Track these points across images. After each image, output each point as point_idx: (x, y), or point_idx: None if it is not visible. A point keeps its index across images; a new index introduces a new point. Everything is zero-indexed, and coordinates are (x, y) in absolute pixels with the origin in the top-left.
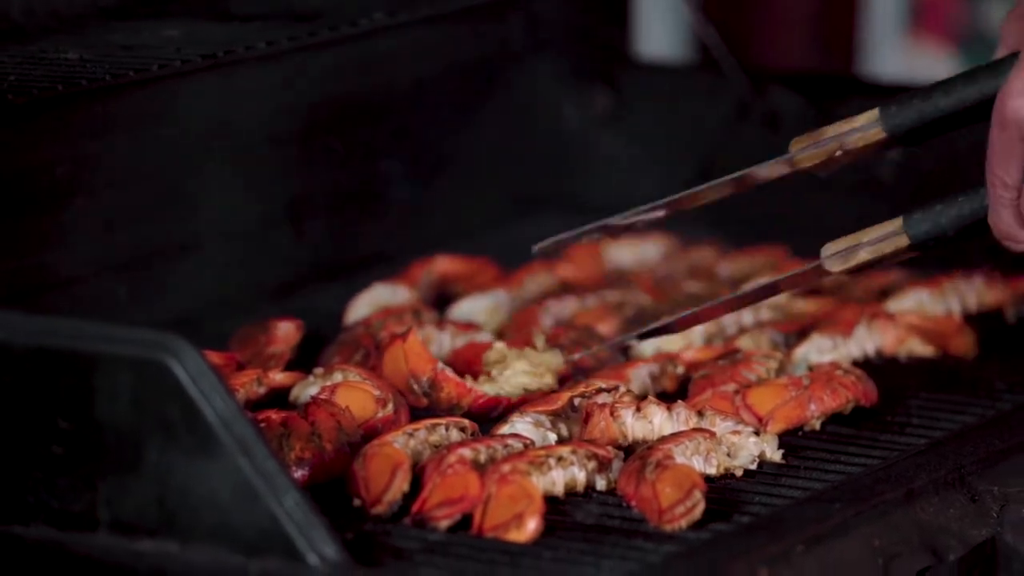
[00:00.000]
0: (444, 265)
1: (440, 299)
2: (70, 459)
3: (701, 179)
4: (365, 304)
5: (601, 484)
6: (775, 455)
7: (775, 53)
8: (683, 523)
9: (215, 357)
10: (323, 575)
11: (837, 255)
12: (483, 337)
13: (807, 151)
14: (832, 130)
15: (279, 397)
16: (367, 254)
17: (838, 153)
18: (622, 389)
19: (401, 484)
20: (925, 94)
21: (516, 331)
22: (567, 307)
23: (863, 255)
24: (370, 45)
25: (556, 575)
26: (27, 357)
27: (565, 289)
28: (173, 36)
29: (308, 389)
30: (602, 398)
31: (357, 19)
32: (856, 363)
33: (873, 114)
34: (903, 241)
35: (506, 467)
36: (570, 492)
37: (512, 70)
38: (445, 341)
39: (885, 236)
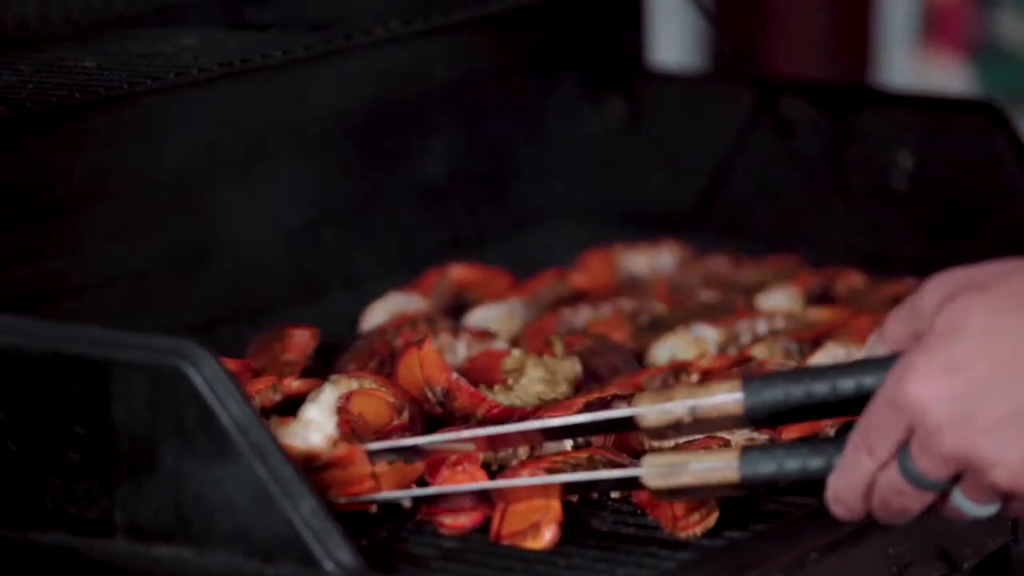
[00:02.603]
0: (459, 273)
1: (455, 307)
2: (87, 465)
3: (715, 188)
4: (380, 312)
5: (616, 491)
6: None
7: (788, 63)
8: (698, 530)
9: (231, 364)
10: None
11: (658, 470)
12: (498, 345)
13: (653, 412)
14: (685, 391)
15: (294, 404)
16: (382, 262)
17: (687, 419)
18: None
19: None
20: (792, 377)
21: (530, 339)
22: (581, 315)
23: (686, 478)
24: (385, 55)
25: None
26: (44, 363)
27: (579, 297)
28: (190, 44)
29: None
30: (618, 404)
31: (372, 28)
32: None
33: (735, 385)
34: (733, 476)
35: (525, 472)
36: (584, 498)
37: (527, 79)
38: (460, 349)
39: (715, 467)
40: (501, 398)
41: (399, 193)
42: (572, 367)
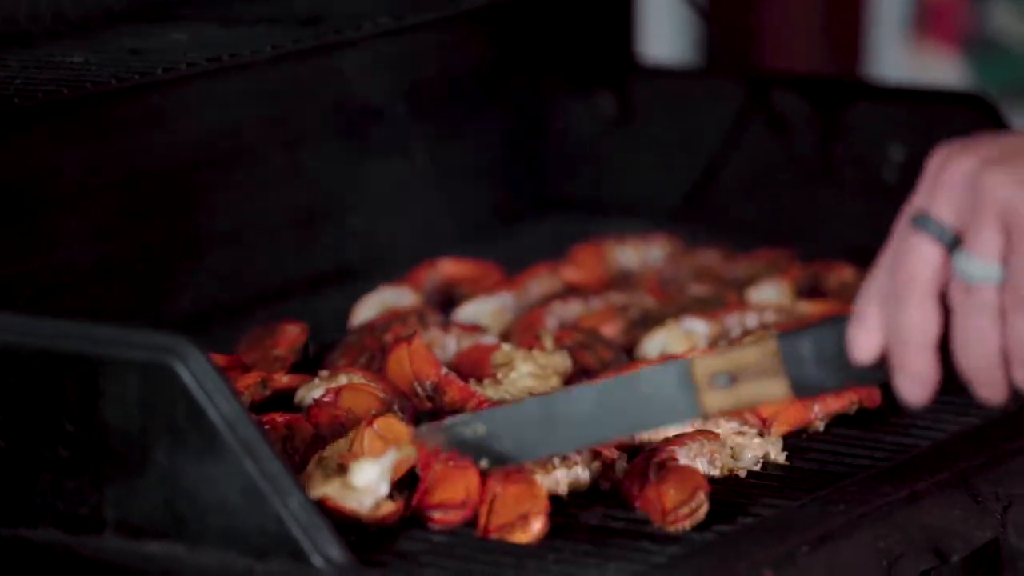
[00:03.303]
0: (449, 268)
1: (445, 302)
2: (77, 462)
3: (707, 182)
4: (370, 307)
5: (605, 485)
6: (779, 457)
7: (781, 57)
8: (687, 524)
9: (220, 360)
10: None
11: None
12: (488, 339)
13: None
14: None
15: (284, 399)
16: (372, 257)
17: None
18: None
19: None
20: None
21: (521, 334)
22: (572, 309)
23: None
24: (375, 49)
25: None
26: (33, 360)
27: (570, 292)
28: (179, 40)
29: (313, 391)
30: None
31: (362, 23)
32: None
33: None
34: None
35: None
36: (574, 493)
37: (519, 74)
38: (450, 344)
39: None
40: (491, 392)
41: (388, 188)
42: (562, 361)
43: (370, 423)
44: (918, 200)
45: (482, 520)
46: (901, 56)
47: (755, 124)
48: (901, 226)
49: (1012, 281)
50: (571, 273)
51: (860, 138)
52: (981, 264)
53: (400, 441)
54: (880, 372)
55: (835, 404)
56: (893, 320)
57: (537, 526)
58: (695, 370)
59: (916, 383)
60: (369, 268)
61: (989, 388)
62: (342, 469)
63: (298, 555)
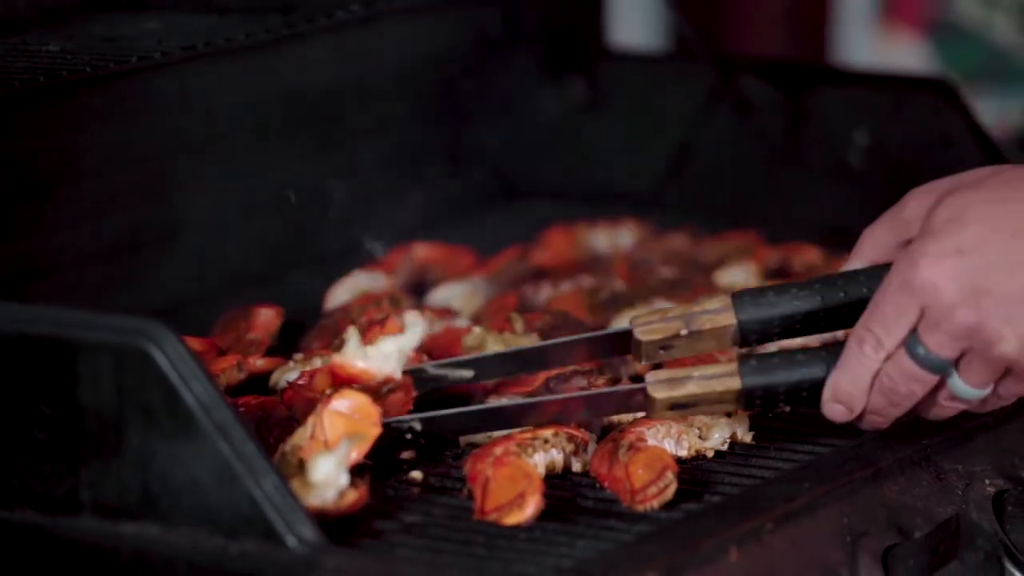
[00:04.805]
0: (422, 252)
1: (418, 286)
2: (53, 444)
3: (675, 166)
4: (345, 291)
5: (577, 466)
6: (746, 436)
7: (748, 43)
8: (655, 503)
9: (196, 343)
10: (301, 556)
11: (662, 382)
12: (460, 323)
13: (650, 325)
14: (679, 310)
15: (260, 382)
16: (346, 241)
17: (683, 332)
18: (596, 373)
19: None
20: (780, 290)
21: (492, 316)
22: (542, 292)
23: (691, 387)
24: (348, 36)
25: (531, 555)
26: (10, 344)
27: (541, 275)
28: (154, 28)
29: (288, 375)
30: (577, 381)
31: (334, 11)
32: (826, 344)
33: (726, 300)
34: (735, 384)
35: (498, 449)
36: (549, 473)
37: (488, 60)
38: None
39: (717, 374)
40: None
41: (362, 173)
42: (532, 343)
43: (327, 402)
44: (908, 307)
45: (478, 502)
46: (867, 41)
47: (722, 109)
48: (892, 342)
49: (997, 393)
50: (542, 256)
51: (826, 122)
52: (973, 390)
53: (361, 411)
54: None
55: None
56: (879, 409)
57: (533, 503)
58: (655, 397)
59: (878, 426)
60: (343, 253)
61: (882, 422)
62: (302, 465)
63: (271, 535)
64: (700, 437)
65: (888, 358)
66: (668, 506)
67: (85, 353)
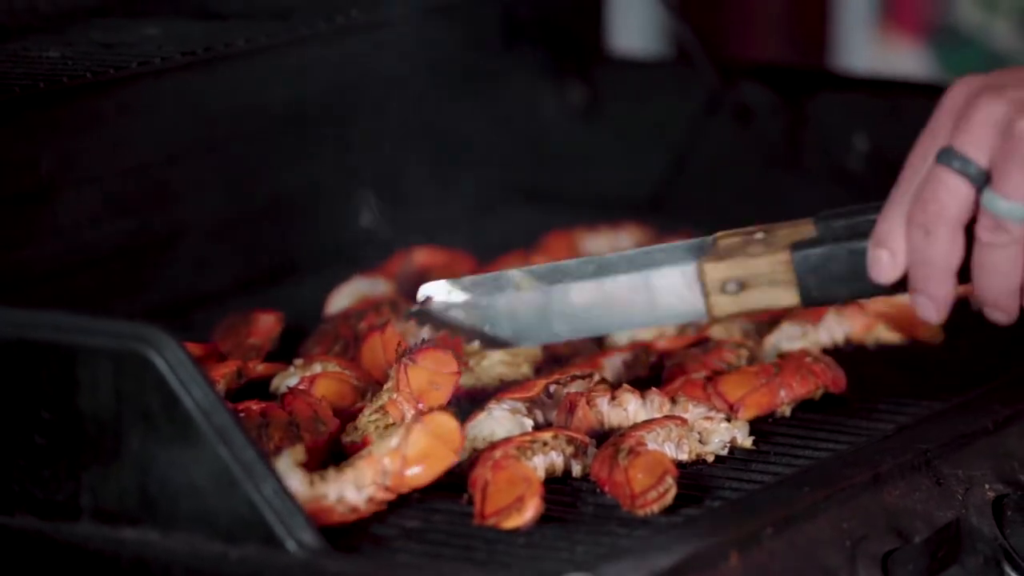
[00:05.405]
0: (422, 257)
1: (418, 290)
2: (53, 449)
3: (675, 170)
4: (345, 296)
5: (576, 469)
6: (746, 441)
7: (747, 48)
8: (655, 508)
9: (196, 348)
10: (301, 561)
11: (715, 260)
12: None
13: (731, 232)
14: (761, 228)
15: (260, 388)
16: (347, 247)
17: (758, 235)
18: (596, 377)
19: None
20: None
21: None
22: None
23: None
24: (347, 42)
25: (530, 560)
26: (9, 349)
27: None
28: (154, 34)
29: (288, 380)
30: (576, 385)
31: (334, 16)
32: (825, 350)
33: (807, 222)
34: (785, 256)
35: (497, 453)
36: (548, 477)
37: (487, 65)
38: (423, 332)
39: (769, 252)
40: (463, 379)
41: (361, 177)
42: (532, 349)
43: (419, 419)
44: (940, 133)
45: (477, 506)
46: (867, 46)
47: (722, 113)
48: (918, 158)
49: None
50: (542, 261)
51: (825, 127)
52: (1010, 204)
53: (449, 440)
54: (891, 289)
55: (800, 389)
56: (919, 247)
57: (533, 506)
58: (705, 274)
59: (934, 305)
60: (343, 257)
61: (1002, 313)
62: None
63: (272, 540)
64: (700, 441)
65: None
66: (668, 511)
67: (85, 358)
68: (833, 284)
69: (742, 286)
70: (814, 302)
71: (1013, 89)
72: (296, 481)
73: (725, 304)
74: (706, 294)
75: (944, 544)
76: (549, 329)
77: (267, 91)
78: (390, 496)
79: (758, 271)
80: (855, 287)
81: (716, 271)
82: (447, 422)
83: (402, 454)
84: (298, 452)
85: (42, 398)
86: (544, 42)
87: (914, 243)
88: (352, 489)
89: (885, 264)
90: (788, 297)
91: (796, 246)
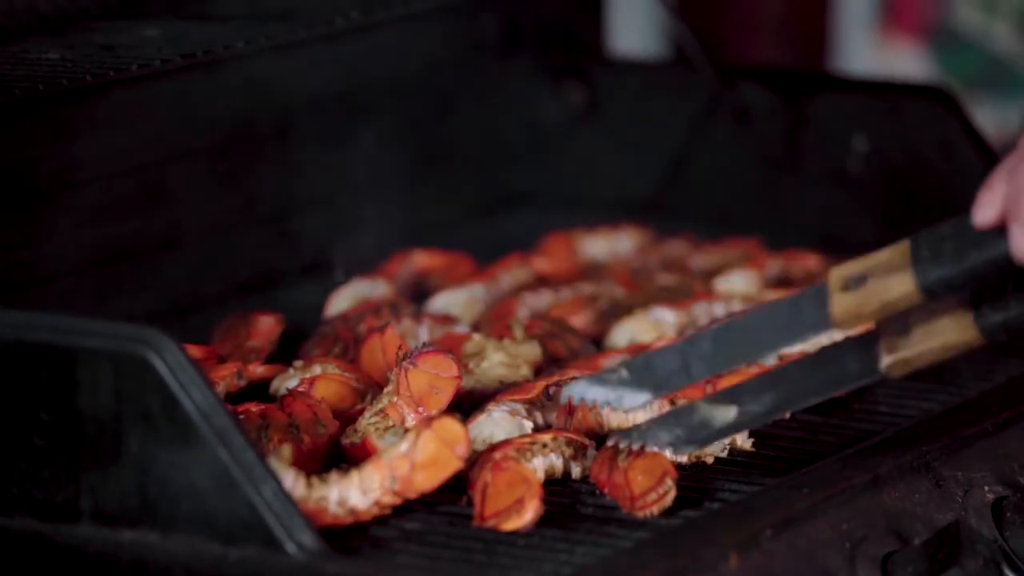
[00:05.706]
0: (422, 259)
1: (418, 293)
2: (52, 451)
3: (675, 172)
4: (345, 298)
5: (576, 471)
6: (745, 443)
7: (747, 50)
8: (655, 510)
9: (196, 350)
10: (301, 563)
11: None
12: (460, 330)
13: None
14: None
15: (260, 389)
16: (346, 248)
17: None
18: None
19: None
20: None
21: (492, 323)
22: (542, 299)
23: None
24: (346, 44)
25: (530, 562)
26: (9, 351)
27: (540, 282)
28: (153, 36)
29: (288, 382)
30: None
31: (333, 18)
32: None
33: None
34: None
35: (497, 455)
36: (548, 478)
37: (487, 67)
38: (423, 334)
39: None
40: (463, 381)
41: (361, 180)
42: (532, 351)
43: (428, 425)
44: None
45: (477, 508)
46: (866, 48)
47: (721, 115)
48: None
49: None
50: (541, 264)
51: (825, 129)
52: None
53: (456, 442)
54: (995, 248)
55: None
56: (1014, 181)
57: (532, 508)
58: (831, 276)
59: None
60: (342, 259)
61: None
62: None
63: (271, 542)
64: None
65: None
66: (668, 512)
67: (84, 360)
68: (945, 263)
69: (863, 280)
70: (930, 287)
71: None
72: (288, 480)
73: (845, 302)
74: (828, 297)
75: (943, 546)
76: (685, 379)
77: (267, 93)
78: (397, 501)
79: (878, 261)
80: (966, 265)
81: (841, 270)
82: (456, 428)
83: (411, 459)
84: (284, 452)
85: (42, 400)
86: (544, 44)
87: (1010, 183)
88: (356, 492)
89: (985, 203)
90: (904, 284)
91: (915, 236)
